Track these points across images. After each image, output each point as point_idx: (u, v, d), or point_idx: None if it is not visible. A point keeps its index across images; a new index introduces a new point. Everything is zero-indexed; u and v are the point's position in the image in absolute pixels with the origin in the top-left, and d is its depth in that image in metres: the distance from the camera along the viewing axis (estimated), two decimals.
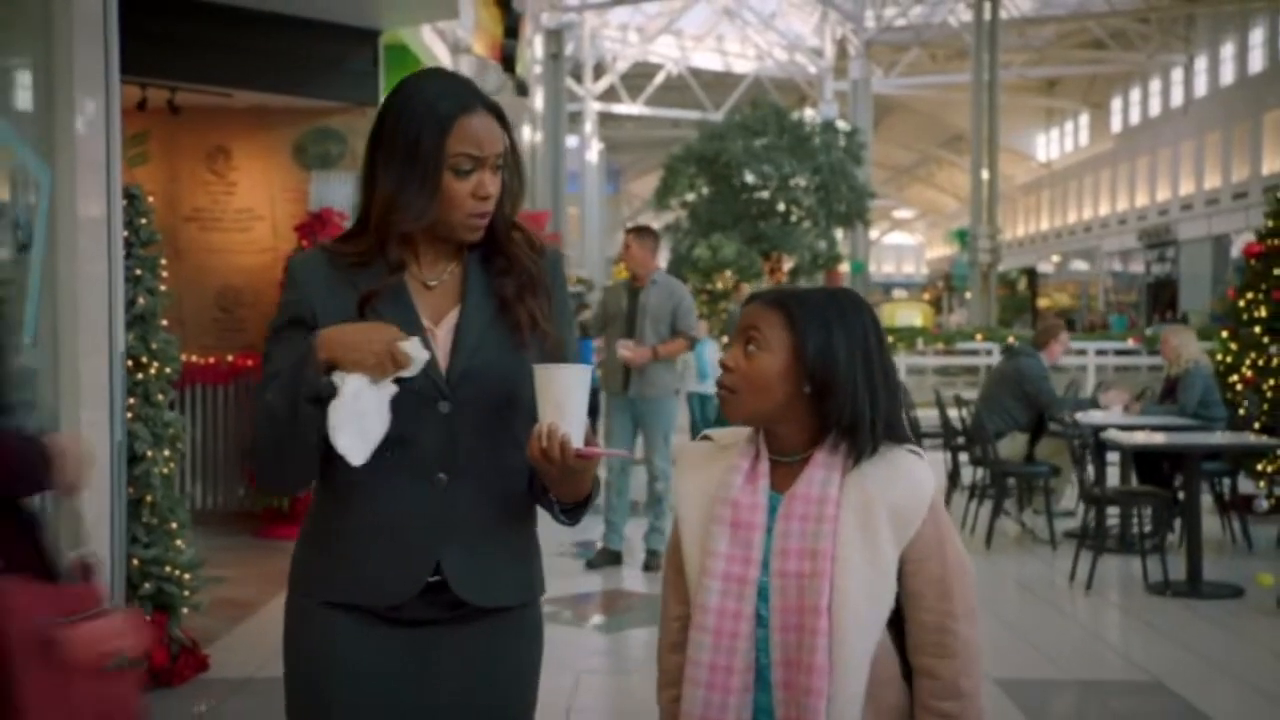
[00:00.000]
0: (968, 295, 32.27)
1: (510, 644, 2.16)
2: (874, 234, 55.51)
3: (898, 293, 63.48)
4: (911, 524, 1.98)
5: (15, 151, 4.44)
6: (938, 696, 1.99)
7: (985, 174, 28.54)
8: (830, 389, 2.01)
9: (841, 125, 31.48)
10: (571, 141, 38.95)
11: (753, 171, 27.68)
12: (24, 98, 4.64)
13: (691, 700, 2.03)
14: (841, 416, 2.00)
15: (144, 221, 5.19)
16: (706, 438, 2.19)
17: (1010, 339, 12.93)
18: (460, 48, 11.77)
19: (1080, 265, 49.40)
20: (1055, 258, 51.54)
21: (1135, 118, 45.26)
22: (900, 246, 75.56)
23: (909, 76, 45.76)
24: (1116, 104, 47.08)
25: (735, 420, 2.10)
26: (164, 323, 5.28)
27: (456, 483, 2.08)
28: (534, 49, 24.74)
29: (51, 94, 4.60)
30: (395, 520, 2.07)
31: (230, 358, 9.06)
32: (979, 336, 21.38)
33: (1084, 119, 51.92)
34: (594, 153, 44.66)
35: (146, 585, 5.07)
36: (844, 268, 33.84)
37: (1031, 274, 49.86)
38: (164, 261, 5.33)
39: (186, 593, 5.20)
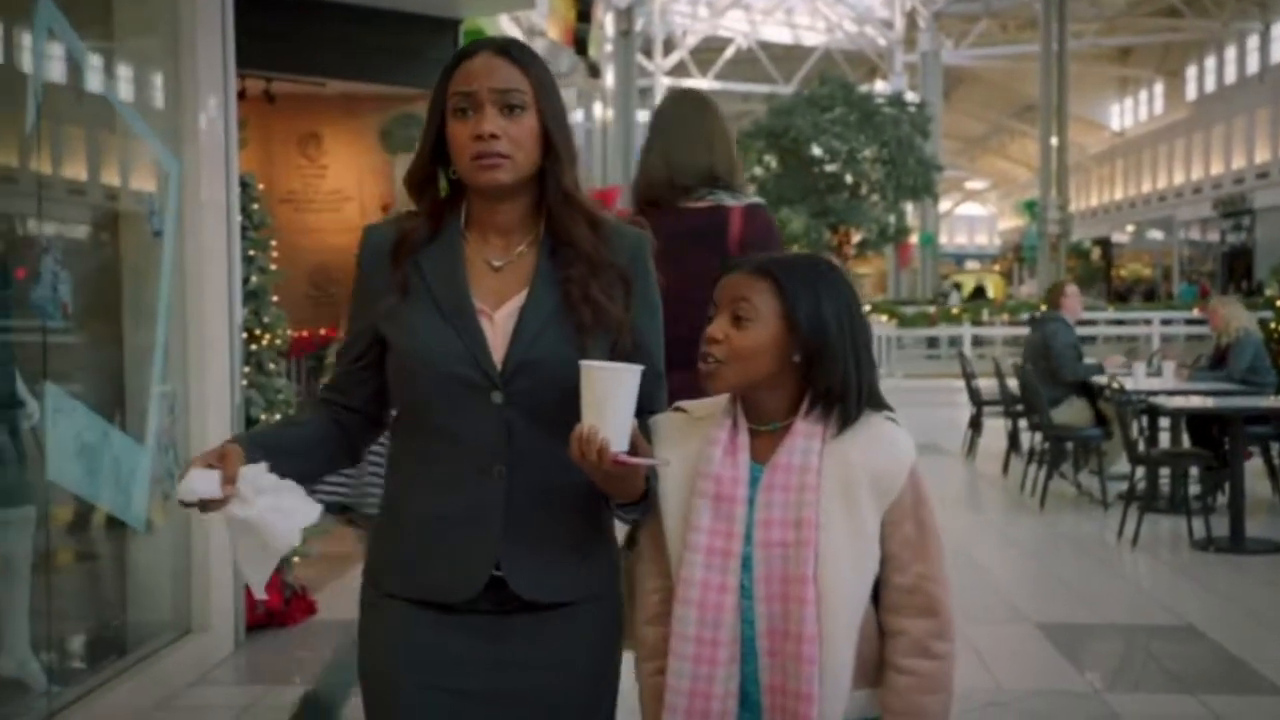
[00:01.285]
0: (1037, 267, 32.29)
1: (582, 639, 2.06)
2: (945, 205, 55.39)
3: (970, 263, 63.31)
4: (892, 490, 1.98)
5: (150, 145, 4.98)
6: (909, 654, 2.00)
7: (1054, 143, 28.57)
8: (821, 356, 1.99)
9: (911, 96, 31.61)
10: (642, 116, 39.36)
11: (820, 146, 27.93)
12: (155, 95, 5.19)
13: (678, 673, 2.01)
14: (832, 383, 1.98)
15: (256, 206, 5.73)
16: (680, 409, 2.14)
17: (1043, 307, 13.17)
18: (535, 32, 12.26)
19: (1155, 235, 49.01)
20: (1130, 227, 51.14)
21: (1210, 85, 44.76)
22: (972, 217, 75.11)
23: (979, 47, 45.57)
24: (1191, 72, 46.56)
25: (720, 391, 2.06)
26: (274, 298, 5.83)
27: (516, 476, 1.98)
28: (605, 28, 25.15)
29: (179, 90, 5.13)
30: (454, 514, 1.99)
31: (322, 331, 9.65)
32: (1044, 307, 21.55)
33: (1158, 87, 51.38)
34: None
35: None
36: (913, 239, 34.02)
37: (1105, 244, 49.55)
38: (274, 243, 5.87)
39: (296, 543, 5.74)
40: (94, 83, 4.80)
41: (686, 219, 3.20)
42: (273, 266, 5.83)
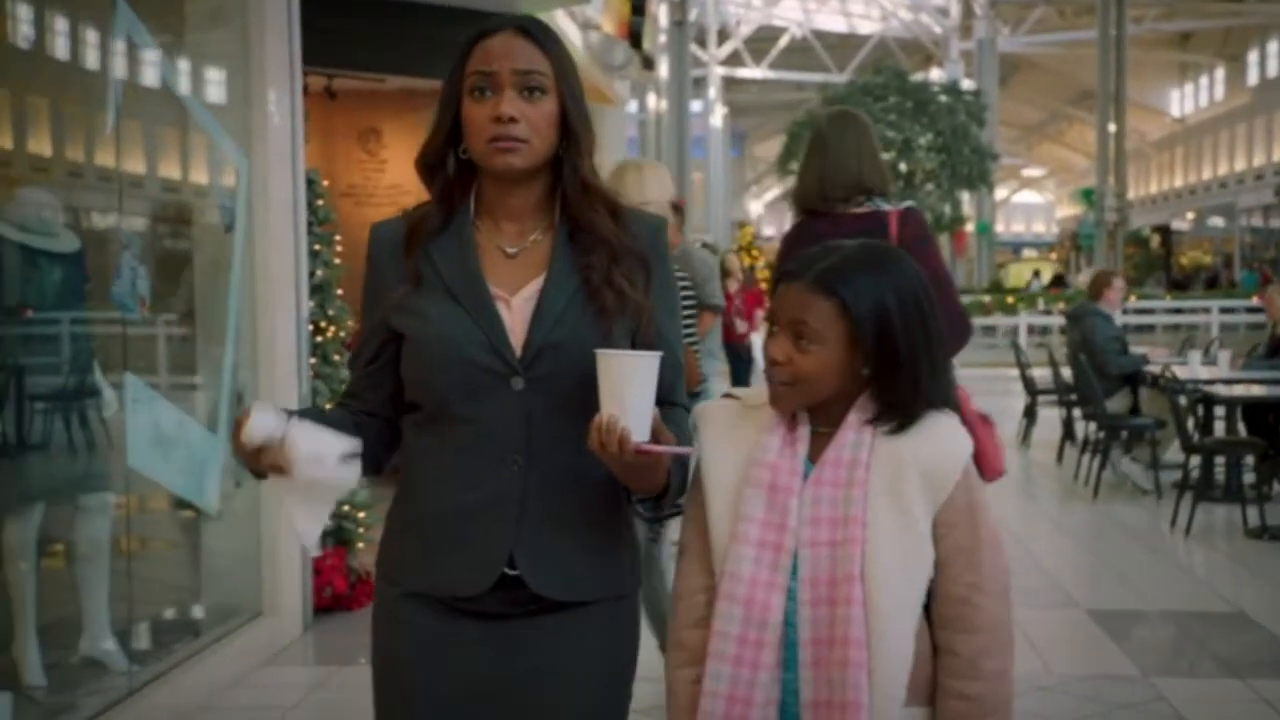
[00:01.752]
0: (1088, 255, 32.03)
1: (599, 641, 1.98)
2: (1002, 193, 55.00)
3: (1027, 252, 62.82)
4: (944, 487, 1.87)
5: (220, 144, 5.16)
6: (957, 676, 1.88)
7: (1112, 130, 28.34)
8: (891, 368, 1.88)
9: (968, 84, 31.44)
10: (695, 107, 39.37)
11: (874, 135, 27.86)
12: (225, 93, 5.37)
13: (717, 677, 1.89)
14: (904, 393, 1.88)
15: (320, 202, 5.90)
16: (732, 396, 2.06)
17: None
18: (590, 25, 12.37)
19: (1216, 222, 48.42)
20: (1190, 215, 50.56)
21: (1273, 70, 44.11)
22: (1029, 205, 74.47)
23: (1036, 34, 45.20)
24: (1253, 56, 45.91)
25: (787, 412, 1.95)
26: (339, 292, 6.00)
27: (533, 467, 1.91)
28: (659, 19, 25.23)
29: (248, 89, 5.30)
30: (468, 507, 1.92)
31: None
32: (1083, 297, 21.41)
33: (1219, 72, 50.70)
34: (718, 117, 44.96)
35: (328, 521, 5.81)
36: (969, 228, 33.85)
37: (1165, 231, 49.02)
38: (338, 237, 6.04)
39: (361, 529, 5.91)
40: (168, 83, 4.98)
41: (846, 223, 3.56)
42: (336, 261, 6.00)
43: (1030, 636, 5.28)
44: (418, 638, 1.97)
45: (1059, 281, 36.04)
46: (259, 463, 1.81)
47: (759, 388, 2.01)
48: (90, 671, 4.46)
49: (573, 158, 1.96)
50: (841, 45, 47.14)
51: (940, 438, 1.90)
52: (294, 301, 5.48)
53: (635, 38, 13.25)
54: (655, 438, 1.81)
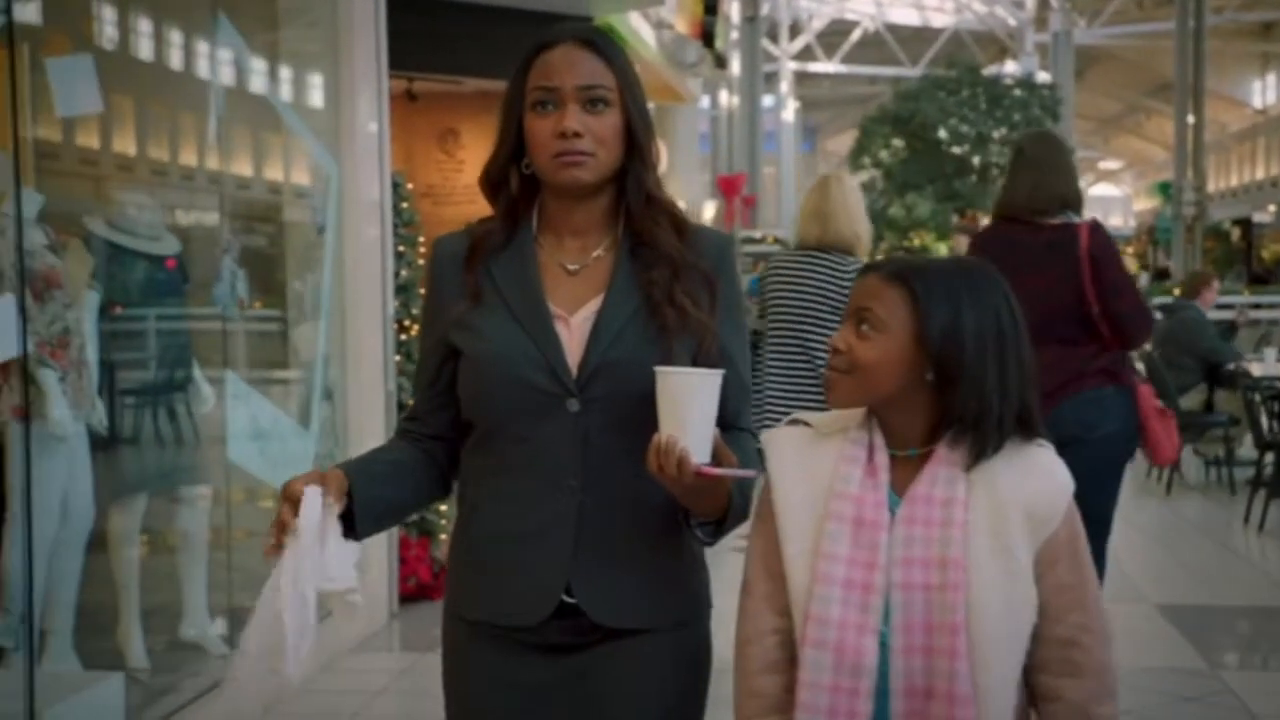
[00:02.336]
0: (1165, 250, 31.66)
1: (664, 670, 1.92)
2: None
3: None
4: (1048, 525, 1.76)
5: (312, 149, 5.37)
6: None
7: (1191, 122, 28.00)
8: (955, 378, 1.76)
9: (1043, 77, 31.18)
10: (767, 102, 39.37)
11: (947, 130, 27.76)
12: (316, 99, 5.58)
13: None
14: (967, 409, 1.76)
15: (405, 205, 6.10)
16: (800, 422, 1.92)
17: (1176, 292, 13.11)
18: (663, 25, 12.52)
19: None
20: (1272, 207, 49.71)
21: None
22: (1106, 199, 73.50)
23: (1114, 26, 44.67)
24: None
25: (837, 405, 1.86)
26: (422, 291, 6.18)
27: (589, 490, 1.86)
28: (731, 17, 25.31)
29: (337, 95, 5.52)
30: (523, 532, 1.88)
31: None
32: (1176, 291, 21.24)
33: None
34: (790, 112, 44.90)
35: (412, 514, 6.02)
36: None
37: (1246, 224, 48.26)
38: (421, 239, 6.23)
39: (444, 521, 6.11)
40: (263, 91, 5.20)
41: (1043, 232, 4.11)
42: (420, 261, 6.20)
43: None
44: (478, 668, 1.93)
45: (1163, 275, 35.61)
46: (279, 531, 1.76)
47: (831, 413, 1.90)
48: (190, 655, 4.68)
49: (637, 170, 1.92)
50: (915, 39, 46.87)
51: (1042, 473, 1.79)
52: (380, 301, 5.68)
53: (708, 37, 13.38)
54: (716, 459, 1.75)
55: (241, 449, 4.71)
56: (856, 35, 46.00)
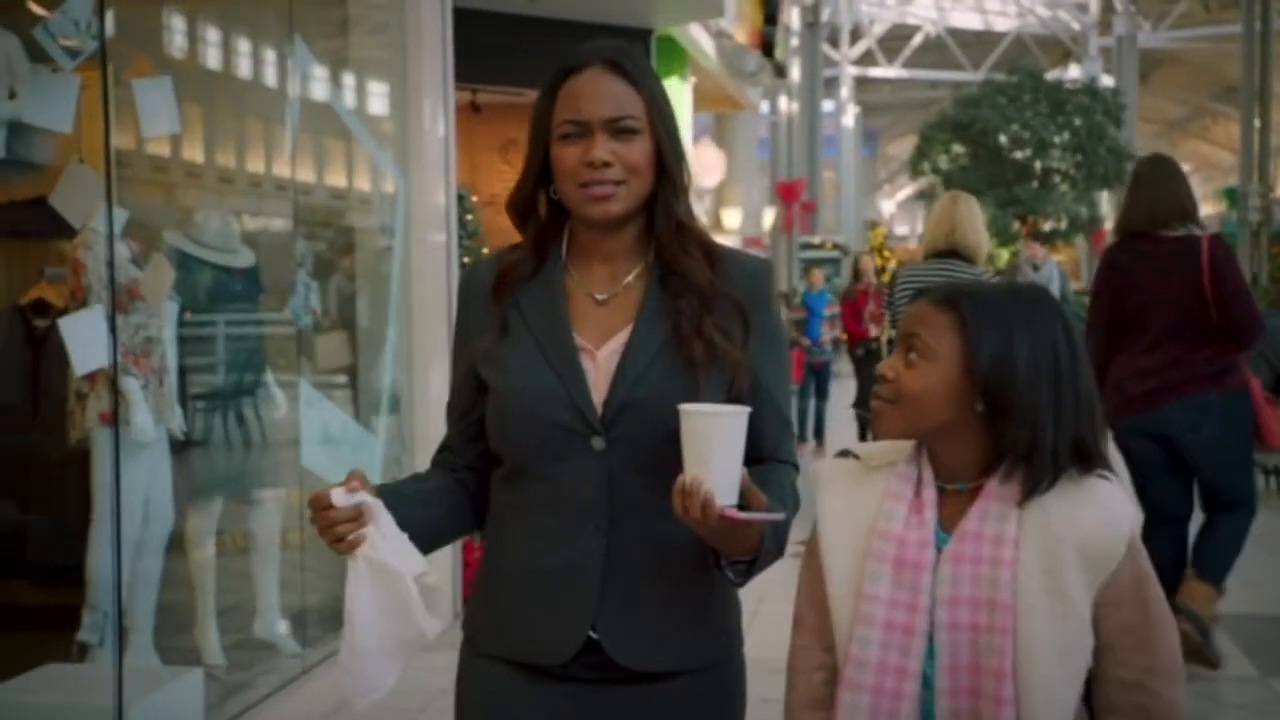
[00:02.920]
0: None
1: (693, 710, 1.88)
2: None
3: None
4: (1106, 565, 1.67)
5: (381, 163, 5.55)
6: None
7: (1257, 125, 27.68)
8: (1006, 409, 1.70)
9: (1108, 80, 30.96)
10: (827, 106, 39.33)
11: (1008, 135, 27.65)
12: (384, 111, 5.76)
13: None
14: (1018, 442, 1.69)
15: (470, 217, 6.28)
16: (850, 454, 1.88)
17: None
18: (722, 35, 12.63)
19: None
20: None
21: None
22: None
23: (1180, 29, 44.21)
24: None
25: (885, 436, 1.81)
26: None
27: (617, 530, 1.81)
28: (791, 24, 25.37)
29: (404, 110, 5.69)
30: (549, 571, 1.83)
31: None
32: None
33: None
34: (850, 117, 44.83)
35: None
36: (1108, 227, 33.31)
37: None
38: (485, 250, 6.40)
39: None
40: (334, 104, 5.38)
41: (1166, 244, 4.67)
42: None
43: None
44: (498, 705, 1.89)
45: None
46: (337, 533, 1.73)
47: (881, 444, 1.86)
48: (265, 653, 4.85)
49: (666, 197, 1.87)
50: (977, 43, 46.61)
51: (1098, 506, 1.69)
52: (446, 311, 5.85)
53: (767, 46, 13.48)
54: (744, 501, 1.69)
55: (313, 453, 4.88)
56: (918, 40, 45.83)
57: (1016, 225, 26.02)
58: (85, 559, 4.28)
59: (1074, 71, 39.34)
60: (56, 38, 3.74)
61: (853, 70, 44.81)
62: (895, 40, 46.16)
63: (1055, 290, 10.06)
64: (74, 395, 4.25)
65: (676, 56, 11.29)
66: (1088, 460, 1.72)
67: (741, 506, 1.68)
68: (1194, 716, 4.49)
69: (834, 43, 42.30)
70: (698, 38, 11.54)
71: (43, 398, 4.88)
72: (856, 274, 12.02)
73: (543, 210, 1.90)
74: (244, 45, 5.50)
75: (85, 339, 3.76)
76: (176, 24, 5.21)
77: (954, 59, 45.43)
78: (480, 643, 1.92)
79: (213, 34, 5.48)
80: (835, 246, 26.22)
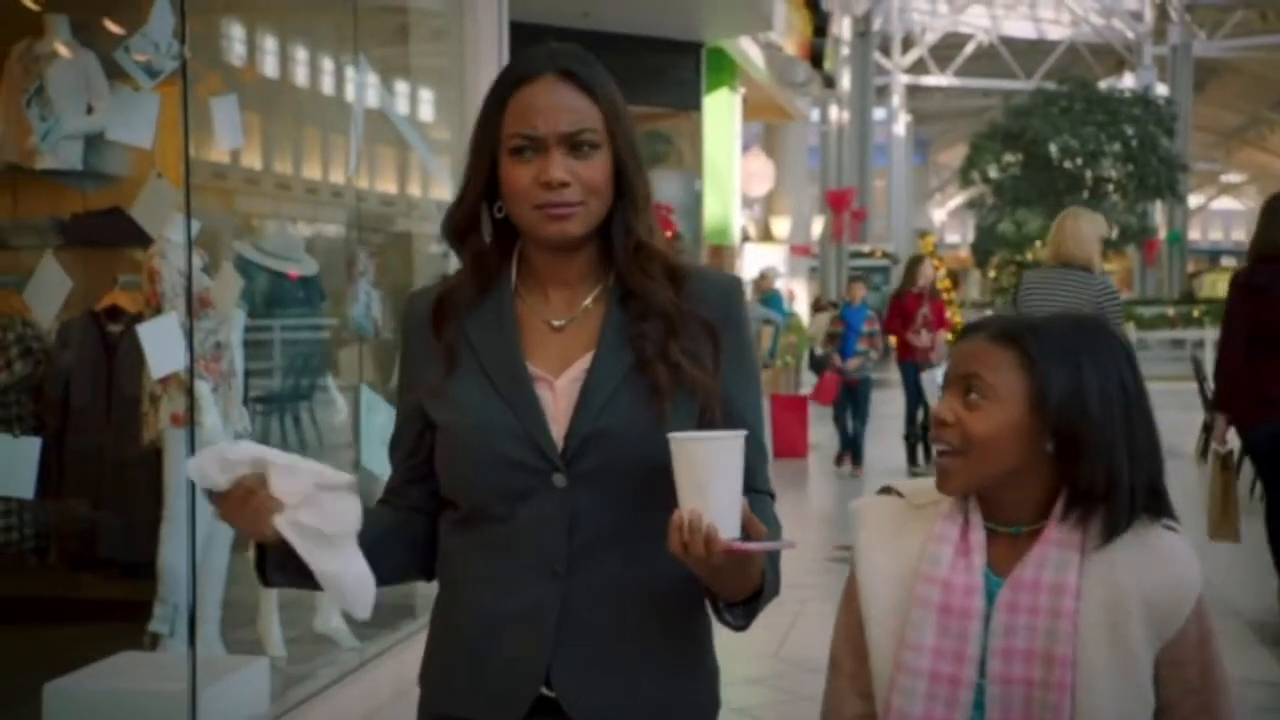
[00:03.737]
0: None
1: None
2: (1199, 200, 53.54)
3: (1226, 260, 60.85)
4: (1173, 623, 1.59)
5: (436, 174, 5.75)
6: None
7: None
8: (1081, 447, 1.60)
9: (1162, 89, 30.83)
10: (879, 114, 39.36)
11: (1059, 145, 27.63)
12: (444, 133, 5.96)
13: None
14: (1095, 482, 1.59)
15: None
16: (892, 490, 1.78)
17: None
18: (772, 47, 12.78)
19: None
20: None
21: None
22: (1229, 212, 72.01)
23: (1235, 38, 43.88)
24: None
25: (954, 493, 1.67)
26: None
27: (576, 575, 1.66)
28: (842, 31, 25.46)
29: (462, 120, 5.88)
30: (502, 619, 1.68)
31: None
32: None
33: None
34: (901, 125, 44.81)
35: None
36: (1160, 236, 33.16)
37: None
38: None
39: None
40: (395, 117, 5.58)
41: None
42: None
43: None
44: None
45: None
46: (241, 516, 1.60)
47: (927, 481, 1.74)
48: (324, 647, 5.04)
49: (626, 215, 1.72)
50: (1030, 51, 46.47)
51: (1170, 562, 1.61)
52: None
53: (817, 59, 13.63)
54: (745, 533, 1.56)
55: (371, 454, 5.08)
56: (970, 48, 45.75)
57: None
58: (157, 554, 4.50)
59: (1128, 80, 39.17)
60: (137, 58, 3.95)
61: (905, 78, 44.79)
62: (948, 49, 46.11)
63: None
64: (148, 398, 4.47)
65: (726, 68, 11.47)
66: (1160, 504, 1.64)
67: (744, 539, 1.55)
68: None
69: (886, 51, 42.33)
70: (747, 50, 11.70)
71: (115, 400, 5.10)
72: (912, 277, 10.94)
73: (486, 230, 1.74)
74: (309, 57, 5.73)
75: (162, 344, 3.96)
76: (244, 37, 5.44)
77: (1006, 67, 45.34)
78: (431, 702, 1.79)
79: (277, 46, 5.71)
80: (885, 255, 26.22)
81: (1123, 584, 1.59)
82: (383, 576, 1.69)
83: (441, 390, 1.72)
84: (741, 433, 1.58)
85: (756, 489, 1.74)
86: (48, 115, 4.08)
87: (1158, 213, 31.32)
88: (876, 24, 35.63)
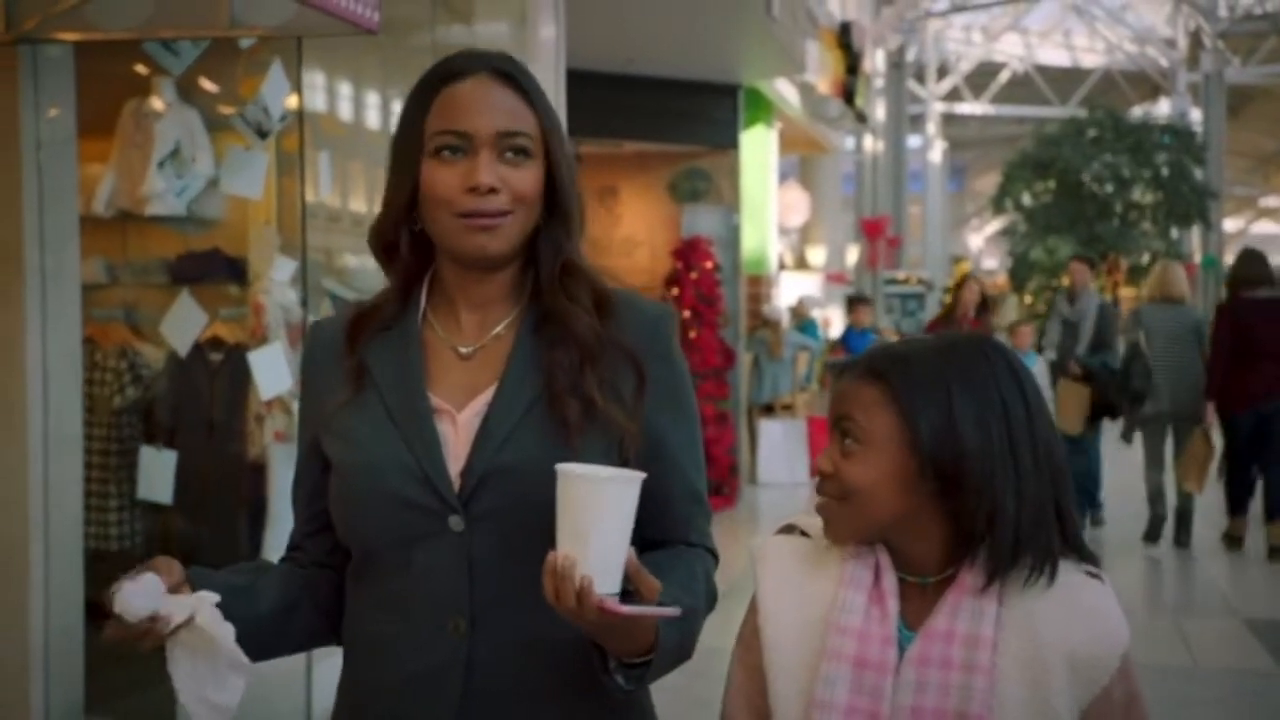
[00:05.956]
0: None
1: None
2: (1238, 225, 53.61)
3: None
4: (1098, 680, 1.48)
5: None
6: None
7: None
8: (958, 482, 1.47)
9: (1196, 115, 31.08)
10: (914, 142, 39.75)
11: (1089, 173, 28.02)
12: None
13: None
14: (976, 517, 1.47)
15: None
16: (795, 529, 1.61)
17: None
18: (807, 86, 13.33)
19: None
20: None
21: None
22: (1268, 236, 71.76)
23: (1270, 64, 44.05)
24: None
25: (842, 541, 1.54)
26: None
27: (481, 630, 1.53)
28: (875, 63, 25.96)
29: None
30: (402, 684, 1.55)
31: None
32: None
33: None
34: (937, 152, 45.17)
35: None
36: (1195, 261, 33.40)
37: None
38: None
39: None
40: None
41: (1264, 301, 7.64)
42: None
43: (1186, 637, 6.03)
44: None
45: None
46: (147, 640, 1.49)
47: None
48: None
49: (556, 234, 1.60)
50: (1064, 79, 46.71)
51: (1091, 612, 1.50)
52: None
53: (849, 95, 14.17)
54: (632, 588, 1.40)
55: None
56: (1005, 76, 46.05)
57: (1097, 262, 26.28)
58: (259, 556, 5.09)
59: (1164, 106, 39.47)
60: (250, 123, 4.56)
61: (939, 106, 45.14)
62: (983, 76, 46.41)
63: (1090, 327, 9.29)
64: (253, 418, 5.07)
65: (763, 107, 12.04)
66: (1068, 544, 1.52)
67: (628, 595, 1.40)
68: (1224, 711, 5.08)
69: (920, 79, 42.72)
70: (781, 89, 12.26)
71: (215, 421, 5.68)
72: (955, 303, 9.83)
73: (405, 247, 1.62)
74: (380, 100, 6.31)
75: (270, 370, 4.55)
76: (325, 84, 6.03)
77: (1041, 94, 45.59)
78: None
79: (352, 92, 6.30)
80: (920, 281, 26.56)
81: (1043, 635, 1.47)
82: (290, 645, 1.63)
83: (337, 424, 1.60)
84: (637, 475, 1.43)
85: (690, 541, 1.62)
86: (183, 174, 4.66)
87: (1194, 238, 31.56)
88: (911, 55, 36.08)
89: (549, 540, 1.41)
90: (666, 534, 1.55)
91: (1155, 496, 8.66)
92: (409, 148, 1.57)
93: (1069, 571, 1.50)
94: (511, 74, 1.58)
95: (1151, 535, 8.70)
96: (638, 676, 1.48)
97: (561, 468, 1.41)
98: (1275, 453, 8.07)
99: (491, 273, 1.60)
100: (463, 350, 1.61)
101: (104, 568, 4.65)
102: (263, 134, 4.58)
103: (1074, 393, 8.94)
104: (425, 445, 1.54)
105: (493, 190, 1.53)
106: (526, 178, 1.56)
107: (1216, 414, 8.19)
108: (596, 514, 1.37)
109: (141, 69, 5.19)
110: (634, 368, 1.58)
